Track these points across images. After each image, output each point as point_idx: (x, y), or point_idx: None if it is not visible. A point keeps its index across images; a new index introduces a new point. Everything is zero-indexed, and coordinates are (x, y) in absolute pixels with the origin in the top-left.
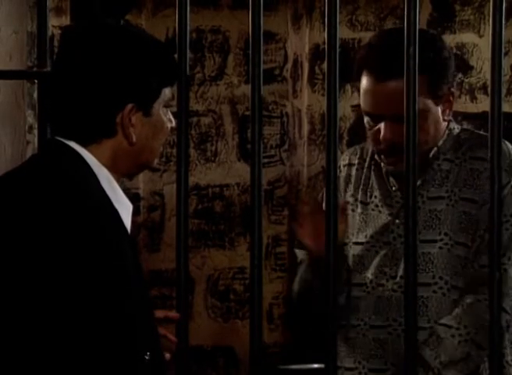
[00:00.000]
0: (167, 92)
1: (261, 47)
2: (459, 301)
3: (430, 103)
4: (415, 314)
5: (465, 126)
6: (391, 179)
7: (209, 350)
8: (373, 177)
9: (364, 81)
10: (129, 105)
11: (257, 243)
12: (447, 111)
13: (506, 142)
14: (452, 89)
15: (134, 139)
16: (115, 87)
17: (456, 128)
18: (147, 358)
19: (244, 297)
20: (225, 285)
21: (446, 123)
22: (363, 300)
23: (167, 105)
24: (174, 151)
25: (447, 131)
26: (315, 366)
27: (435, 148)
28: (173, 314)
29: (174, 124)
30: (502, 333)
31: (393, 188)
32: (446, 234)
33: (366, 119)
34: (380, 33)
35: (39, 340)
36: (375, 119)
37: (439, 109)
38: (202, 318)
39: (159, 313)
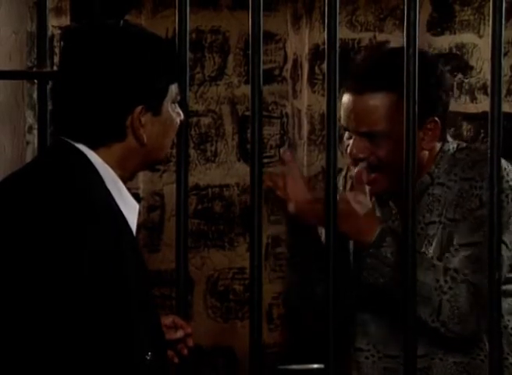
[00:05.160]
0: (174, 88)
1: (261, 47)
2: None
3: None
4: (414, 314)
5: (465, 127)
6: (391, 203)
7: (209, 350)
8: (374, 199)
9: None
10: (139, 107)
11: (256, 243)
12: (427, 140)
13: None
14: (436, 119)
15: (145, 140)
16: (124, 91)
17: (451, 148)
18: (148, 358)
19: (244, 297)
20: (224, 285)
21: (429, 153)
22: (372, 324)
23: (174, 101)
24: (174, 151)
25: (441, 154)
26: (315, 366)
27: (427, 176)
28: (181, 322)
29: (182, 117)
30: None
31: (393, 212)
32: (436, 259)
33: (345, 135)
34: (377, 50)
35: (37, 341)
36: (349, 135)
37: (419, 136)
38: (202, 318)
39: (166, 319)
